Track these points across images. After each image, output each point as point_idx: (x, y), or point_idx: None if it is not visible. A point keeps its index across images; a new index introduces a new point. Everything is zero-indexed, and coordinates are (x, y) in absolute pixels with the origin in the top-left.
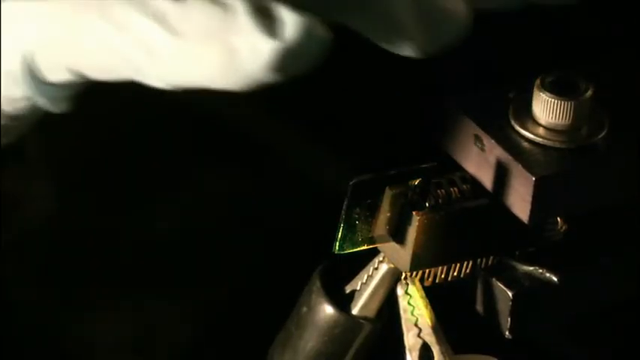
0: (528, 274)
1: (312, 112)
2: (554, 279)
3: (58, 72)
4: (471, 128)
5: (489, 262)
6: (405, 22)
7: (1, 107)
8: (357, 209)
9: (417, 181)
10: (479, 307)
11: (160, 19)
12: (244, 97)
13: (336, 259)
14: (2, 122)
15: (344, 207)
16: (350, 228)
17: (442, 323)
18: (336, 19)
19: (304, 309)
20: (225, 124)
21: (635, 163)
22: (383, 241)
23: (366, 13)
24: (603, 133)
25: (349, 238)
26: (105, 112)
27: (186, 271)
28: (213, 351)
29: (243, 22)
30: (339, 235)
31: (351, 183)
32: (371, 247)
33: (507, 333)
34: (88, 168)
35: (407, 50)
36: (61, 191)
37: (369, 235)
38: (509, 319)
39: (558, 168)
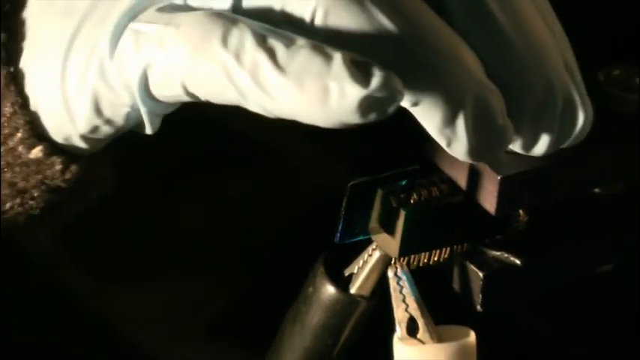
0: (496, 258)
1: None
2: (518, 262)
3: (170, 89)
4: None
5: (464, 249)
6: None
7: (102, 108)
8: (355, 207)
9: (404, 182)
10: (455, 286)
11: (271, 55)
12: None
13: (336, 248)
14: (96, 122)
15: (343, 205)
16: (348, 222)
17: (425, 300)
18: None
19: (310, 289)
20: (241, 137)
21: (582, 164)
22: (376, 232)
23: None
24: None
25: (348, 231)
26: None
27: (211, 257)
28: (235, 325)
29: (339, 69)
30: (340, 229)
31: (349, 185)
32: (366, 238)
33: (479, 307)
34: (142, 160)
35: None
36: (121, 176)
37: (365, 228)
38: (480, 295)
39: (519, 169)
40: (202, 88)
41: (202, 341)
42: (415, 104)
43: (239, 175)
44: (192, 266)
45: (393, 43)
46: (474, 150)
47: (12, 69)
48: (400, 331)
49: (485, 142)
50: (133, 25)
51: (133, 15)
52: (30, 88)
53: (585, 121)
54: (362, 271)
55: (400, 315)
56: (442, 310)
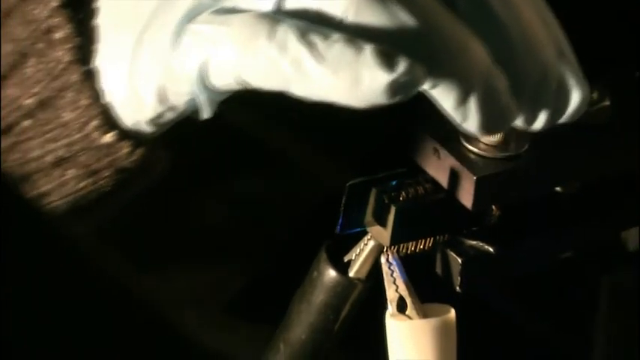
0: (473, 247)
1: (327, 132)
2: (491, 250)
3: (225, 79)
4: (432, 143)
5: (445, 239)
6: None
7: (166, 97)
8: (352, 203)
9: (394, 182)
10: (438, 270)
11: (312, 47)
12: (275, 122)
13: (337, 238)
14: (161, 109)
15: (343, 201)
16: (347, 216)
17: (413, 282)
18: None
19: (315, 273)
20: (259, 145)
21: (546, 167)
22: (370, 225)
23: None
24: (525, 147)
25: (347, 224)
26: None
27: (232, 246)
28: (252, 303)
29: (369, 59)
30: (340, 222)
31: (348, 184)
32: (362, 229)
33: (458, 288)
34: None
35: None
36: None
37: (361, 221)
38: (459, 278)
39: (492, 171)
40: (252, 77)
41: (225, 317)
42: (433, 87)
43: (258, 178)
44: (217, 254)
45: (414, 35)
46: (483, 125)
47: (87, 68)
48: (391, 308)
49: (494, 118)
50: (191, 27)
51: (190, 17)
52: (103, 83)
53: (581, 100)
54: (359, 257)
55: (391, 295)
56: (427, 290)
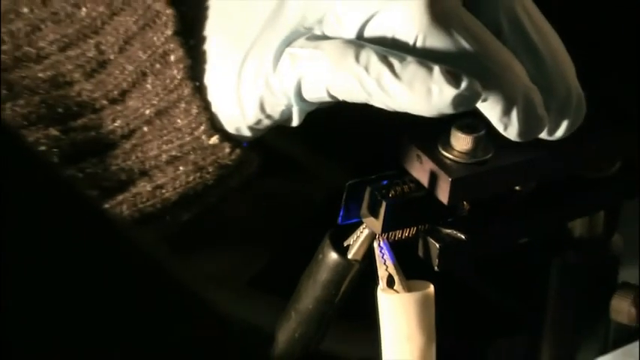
0: (448, 235)
1: (334, 143)
2: (463, 237)
3: (318, 93)
4: (415, 151)
5: (426, 228)
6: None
7: (266, 107)
8: (351, 199)
9: (385, 182)
10: (420, 253)
11: (390, 67)
12: (295, 136)
13: (338, 227)
14: (260, 117)
15: (343, 197)
16: (347, 209)
17: (399, 262)
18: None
19: (320, 256)
20: (275, 151)
21: (508, 172)
22: (366, 216)
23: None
24: (490, 155)
25: (346, 215)
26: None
27: (252, 234)
28: (270, 281)
29: (438, 77)
30: (341, 214)
31: (347, 184)
32: (358, 220)
33: (436, 268)
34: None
35: (510, 134)
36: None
37: (358, 214)
38: (437, 260)
39: (464, 174)
40: (341, 92)
41: (247, 292)
42: (483, 100)
43: (276, 179)
44: (241, 241)
45: (470, 57)
46: (522, 132)
47: (197, 83)
48: (382, 284)
49: (531, 127)
50: (289, 50)
51: (288, 42)
52: (210, 95)
53: (585, 113)
54: (356, 242)
55: (382, 273)
56: (411, 269)
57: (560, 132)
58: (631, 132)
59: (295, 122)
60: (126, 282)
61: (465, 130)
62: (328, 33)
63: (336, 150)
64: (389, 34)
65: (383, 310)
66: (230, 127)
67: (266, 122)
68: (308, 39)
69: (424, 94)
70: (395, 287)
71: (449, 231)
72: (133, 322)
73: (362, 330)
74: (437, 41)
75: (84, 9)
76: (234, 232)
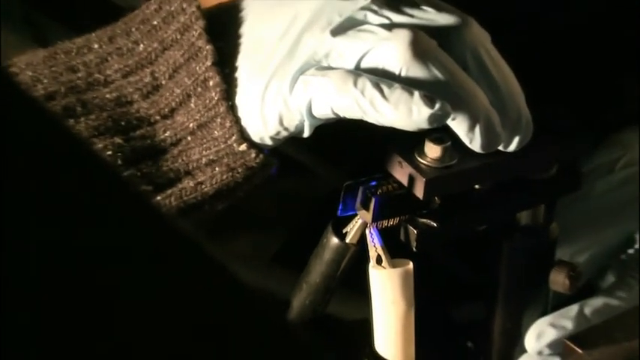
0: (424, 223)
1: (337, 153)
2: (435, 225)
3: (324, 111)
4: (397, 158)
5: (406, 218)
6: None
7: (284, 122)
8: (348, 196)
9: (374, 182)
10: (402, 238)
11: (381, 91)
12: (307, 148)
13: (338, 218)
14: (279, 130)
15: (342, 195)
16: (345, 204)
17: (386, 245)
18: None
19: (325, 240)
20: (290, 159)
21: (470, 174)
22: (359, 209)
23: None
24: (455, 161)
25: (344, 209)
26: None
27: (269, 222)
28: (286, 260)
29: (417, 99)
30: (340, 207)
31: (345, 184)
32: (354, 212)
33: (415, 249)
34: None
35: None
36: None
37: (353, 207)
38: (415, 243)
39: (435, 175)
40: (342, 110)
41: (268, 269)
42: (453, 119)
43: (290, 180)
44: (261, 227)
45: (443, 85)
46: (484, 145)
47: (230, 103)
48: (372, 262)
49: (490, 141)
50: (302, 77)
51: (302, 71)
52: (240, 112)
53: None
54: (352, 230)
55: (372, 253)
56: (395, 250)
57: (512, 146)
58: (564, 145)
59: (306, 134)
60: (173, 260)
61: (436, 141)
62: (333, 65)
63: (336, 157)
64: (380, 66)
65: (373, 282)
66: (255, 137)
67: (284, 134)
68: (317, 69)
69: (407, 113)
70: (382, 264)
71: (424, 220)
72: (181, 293)
73: (357, 297)
74: (417, 72)
75: (141, 45)
76: (258, 221)
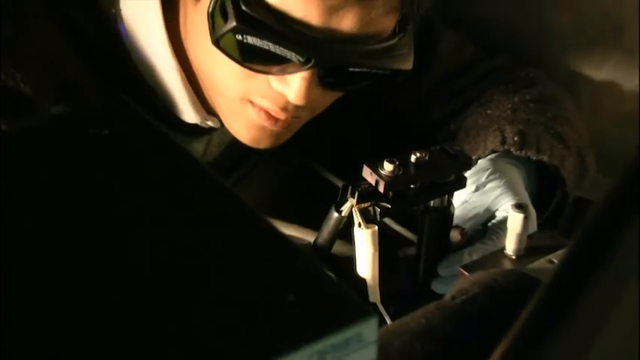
0: (384, 205)
1: (338, 164)
2: (389, 207)
3: None
4: (370, 170)
5: (374, 202)
6: None
7: None
8: (343, 192)
9: (358, 183)
10: (371, 213)
11: None
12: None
13: (338, 202)
14: None
15: (340, 193)
16: (342, 198)
17: (364, 217)
18: None
19: (330, 214)
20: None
21: (410, 179)
22: (349, 198)
23: None
24: (401, 172)
25: (342, 199)
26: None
27: (285, 209)
28: (311, 225)
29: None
30: (338, 200)
31: (342, 185)
32: (347, 199)
33: (379, 219)
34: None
35: None
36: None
37: (346, 197)
38: (379, 216)
39: (390, 180)
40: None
41: (300, 230)
42: None
43: (310, 183)
44: (295, 211)
45: None
46: None
47: None
48: (355, 226)
49: None
50: None
51: None
52: None
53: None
54: (345, 208)
55: (355, 221)
56: (368, 221)
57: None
58: (457, 163)
59: None
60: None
61: (390, 162)
62: None
63: (340, 172)
64: None
65: (356, 237)
66: None
67: None
68: None
69: None
70: (361, 227)
71: (384, 204)
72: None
73: (348, 244)
74: None
75: None
76: (294, 209)
